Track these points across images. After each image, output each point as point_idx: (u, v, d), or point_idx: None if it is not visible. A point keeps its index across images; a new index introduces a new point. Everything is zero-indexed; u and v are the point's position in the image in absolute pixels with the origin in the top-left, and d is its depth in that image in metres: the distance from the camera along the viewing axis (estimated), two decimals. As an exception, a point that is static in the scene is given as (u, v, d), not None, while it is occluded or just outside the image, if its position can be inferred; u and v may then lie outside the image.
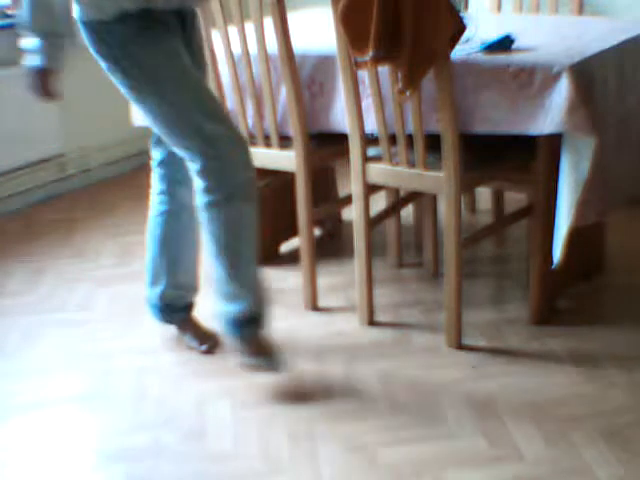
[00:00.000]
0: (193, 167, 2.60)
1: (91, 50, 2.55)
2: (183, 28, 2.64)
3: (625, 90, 2.84)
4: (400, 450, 2.44)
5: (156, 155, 2.86)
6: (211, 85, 3.13)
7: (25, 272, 3.73)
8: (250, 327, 2.74)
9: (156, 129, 2.66)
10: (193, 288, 3.01)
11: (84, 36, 2.54)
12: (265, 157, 3.18)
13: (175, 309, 3.00)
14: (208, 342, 2.99)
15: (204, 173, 2.58)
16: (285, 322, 3.17)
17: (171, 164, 2.81)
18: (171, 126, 2.58)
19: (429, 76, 2.66)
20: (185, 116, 2.55)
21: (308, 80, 3.05)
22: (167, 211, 2.87)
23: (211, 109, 2.59)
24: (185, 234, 2.89)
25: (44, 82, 2.56)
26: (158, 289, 2.95)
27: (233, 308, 2.72)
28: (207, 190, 2.59)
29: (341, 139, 3.00)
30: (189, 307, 3.03)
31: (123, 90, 2.58)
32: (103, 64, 2.56)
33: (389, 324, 3.12)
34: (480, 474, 2.33)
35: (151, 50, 2.52)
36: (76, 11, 2.52)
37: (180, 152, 2.62)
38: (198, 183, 2.60)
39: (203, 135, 2.55)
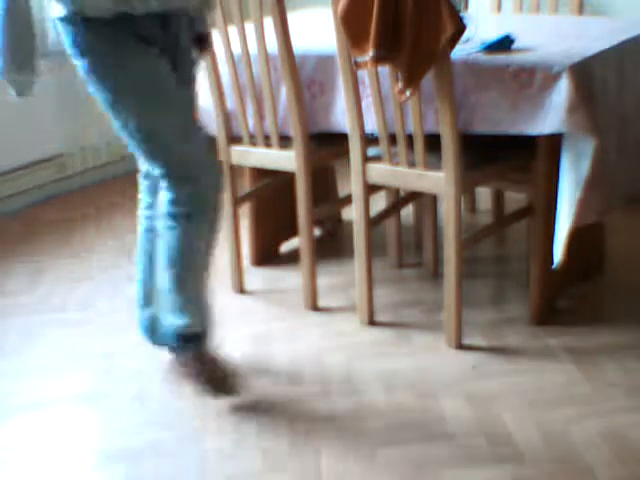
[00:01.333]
0: (162, 181, 2.55)
1: (69, 50, 2.49)
2: (166, 34, 2.52)
3: (625, 90, 2.84)
4: (400, 450, 2.44)
5: (142, 167, 2.74)
6: (211, 85, 3.14)
7: (25, 272, 3.73)
8: (194, 343, 2.64)
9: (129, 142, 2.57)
10: None
11: (64, 34, 2.47)
12: (265, 157, 3.18)
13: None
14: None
15: (172, 189, 2.53)
16: (285, 322, 3.17)
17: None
18: (142, 144, 2.52)
19: (429, 76, 2.66)
20: (157, 136, 2.51)
21: (308, 80, 3.05)
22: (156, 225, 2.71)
23: (184, 130, 2.53)
24: None
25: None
26: (149, 311, 2.77)
27: (177, 322, 2.62)
28: (173, 202, 2.54)
29: (341, 139, 3.00)
30: None
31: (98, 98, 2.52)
32: (80, 65, 2.49)
33: (389, 324, 3.12)
34: (480, 474, 2.33)
35: (126, 64, 2.44)
36: (58, 6, 2.45)
37: (151, 166, 2.58)
38: (165, 194, 2.55)
39: (174, 157, 2.51)
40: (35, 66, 2.51)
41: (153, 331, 2.77)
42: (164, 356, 2.76)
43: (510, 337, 2.98)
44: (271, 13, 2.89)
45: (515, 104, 2.69)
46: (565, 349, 2.88)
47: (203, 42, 2.71)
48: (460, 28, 2.58)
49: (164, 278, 2.61)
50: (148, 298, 2.76)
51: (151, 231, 2.72)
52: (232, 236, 3.34)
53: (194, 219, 2.55)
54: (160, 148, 2.52)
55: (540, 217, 2.91)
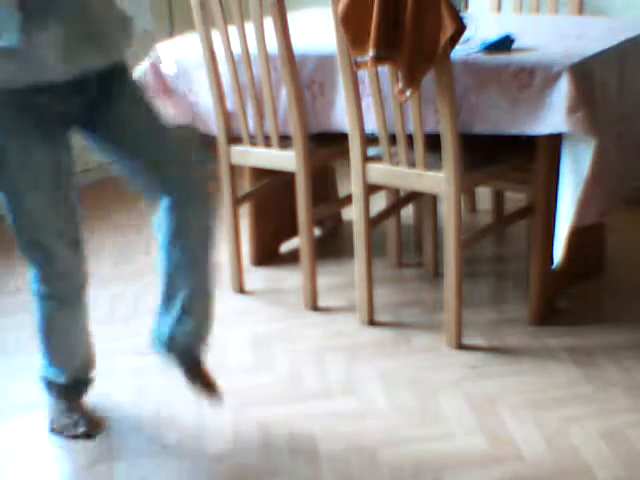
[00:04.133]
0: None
1: None
2: (85, 97, 2.28)
3: (625, 90, 2.84)
4: (400, 450, 2.44)
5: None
6: (211, 85, 3.14)
7: (25, 271, 3.72)
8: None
9: None
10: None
11: None
12: (265, 157, 3.18)
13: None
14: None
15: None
16: (285, 322, 3.17)
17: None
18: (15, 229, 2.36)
19: (429, 76, 2.66)
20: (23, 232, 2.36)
21: (308, 80, 3.05)
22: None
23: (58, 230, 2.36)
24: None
25: None
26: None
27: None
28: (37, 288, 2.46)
29: (341, 139, 3.00)
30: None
31: None
32: None
33: (389, 324, 3.12)
34: (480, 474, 2.33)
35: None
36: None
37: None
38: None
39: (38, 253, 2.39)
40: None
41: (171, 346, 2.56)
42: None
43: (510, 337, 2.98)
44: (271, 13, 2.89)
45: (515, 104, 2.69)
46: (565, 349, 2.88)
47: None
48: (460, 28, 2.58)
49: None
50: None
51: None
52: (232, 236, 3.34)
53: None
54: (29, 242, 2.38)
55: (540, 217, 2.91)
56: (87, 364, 2.66)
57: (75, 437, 2.58)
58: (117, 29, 2.28)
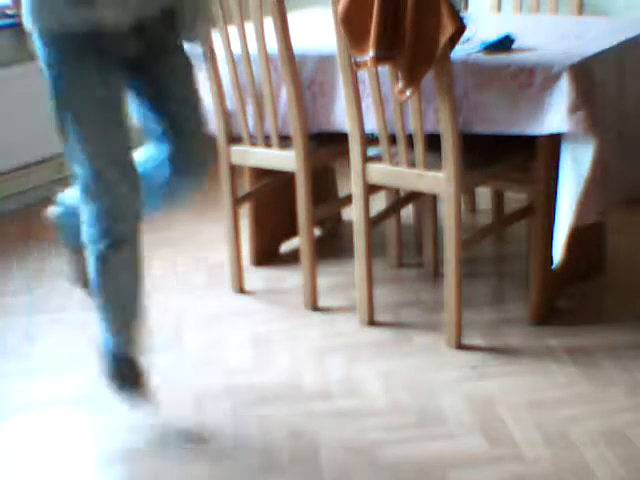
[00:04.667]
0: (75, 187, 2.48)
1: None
2: (141, 46, 2.43)
3: (625, 90, 2.84)
4: (400, 450, 2.44)
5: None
6: (211, 85, 3.14)
7: (25, 272, 3.73)
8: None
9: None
10: None
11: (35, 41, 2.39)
12: (265, 157, 3.18)
13: None
14: None
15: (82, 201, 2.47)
16: (285, 322, 3.17)
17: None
18: (74, 155, 2.45)
19: (429, 76, 2.66)
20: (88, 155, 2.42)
21: (308, 80, 3.05)
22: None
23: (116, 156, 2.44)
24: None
25: None
26: None
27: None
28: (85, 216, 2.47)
29: (341, 139, 3.00)
30: None
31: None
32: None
33: (389, 324, 3.12)
34: (480, 474, 2.33)
35: (76, 79, 2.37)
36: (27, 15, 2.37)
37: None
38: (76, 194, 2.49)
39: (98, 180, 2.41)
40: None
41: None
42: (163, 356, 2.76)
43: (510, 337, 2.98)
44: (271, 13, 2.89)
45: (515, 104, 2.69)
46: (565, 349, 2.88)
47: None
48: (460, 28, 2.58)
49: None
50: None
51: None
52: (232, 236, 3.34)
53: (102, 245, 2.45)
54: (89, 169, 2.42)
55: (540, 217, 2.91)
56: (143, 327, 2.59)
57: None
58: None
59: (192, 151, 2.56)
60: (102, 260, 2.46)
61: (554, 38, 2.99)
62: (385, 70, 2.75)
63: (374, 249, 3.09)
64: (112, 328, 2.56)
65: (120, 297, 2.55)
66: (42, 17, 2.34)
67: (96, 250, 2.46)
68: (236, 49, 3.04)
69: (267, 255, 3.66)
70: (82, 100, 2.40)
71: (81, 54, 2.35)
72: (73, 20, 2.31)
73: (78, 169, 2.43)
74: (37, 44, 2.38)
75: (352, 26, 2.68)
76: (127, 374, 2.56)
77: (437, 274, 3.38)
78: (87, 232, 2.46)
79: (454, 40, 2.60)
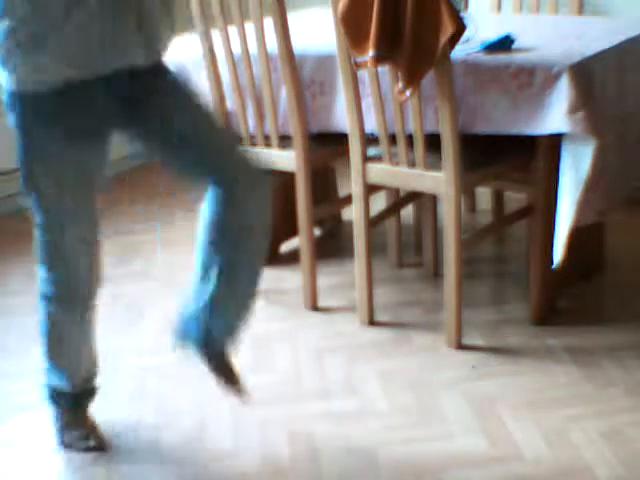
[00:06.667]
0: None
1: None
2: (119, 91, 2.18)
3: (625, 90, 2.84)
4: (400, 450, 2.44)
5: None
6: (211, 85, 3.14)
7: (25, 272, 3.72)
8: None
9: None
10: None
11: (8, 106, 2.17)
12: (265, 157, 3.18)
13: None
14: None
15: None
16: (285, 322, 3.17)
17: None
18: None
19: (429, 76, 2.67)
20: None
21: (308, 80, 3.05)
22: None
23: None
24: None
25: None
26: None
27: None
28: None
29: (341, 139, 3.00)
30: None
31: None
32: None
33: (389, 324, 3.12)
34: (480, 474, 2.33)
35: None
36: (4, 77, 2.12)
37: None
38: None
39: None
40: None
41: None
42: (164, 356, 2.76)
43: (510, 337, 2.98)
44: (271, 13, 2.89)
45: (515, 104, 2.69)
46: (565, 349, 2.88)
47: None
48: (460, 28, 2.58)
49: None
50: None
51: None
52: (232, 236, 3.34)
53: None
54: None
55: (540, 217, 2.91)
56: (93, 372, 2.56)
57: (87, 450, 2.52)
58: (162, 13, 2.15)
59: (233, 165, 2.29)
60: (52, 319, 2.42)
61: (554, 38, 2.99)
62: (385, 70, 2.75)
63: (374, 249, 3.09)
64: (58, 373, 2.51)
65: (65, 354, 2.49)
66: (4, 75, 2.09)
67: (47, 309, 2.41)
68: (236, 49, 3.04)
69: (267, 255, 3.65)
70: (47, 182, 2.28)
71: (48, 119, 2.14)
72: (31, 77, 2.07)
73: (37, 229, 2.34)
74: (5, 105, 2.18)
75: (352, 26, 2.68)
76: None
77: (437, 274, 3.38)
78: (41, 288, 2.39)
79: (454, 40, 2.61)
